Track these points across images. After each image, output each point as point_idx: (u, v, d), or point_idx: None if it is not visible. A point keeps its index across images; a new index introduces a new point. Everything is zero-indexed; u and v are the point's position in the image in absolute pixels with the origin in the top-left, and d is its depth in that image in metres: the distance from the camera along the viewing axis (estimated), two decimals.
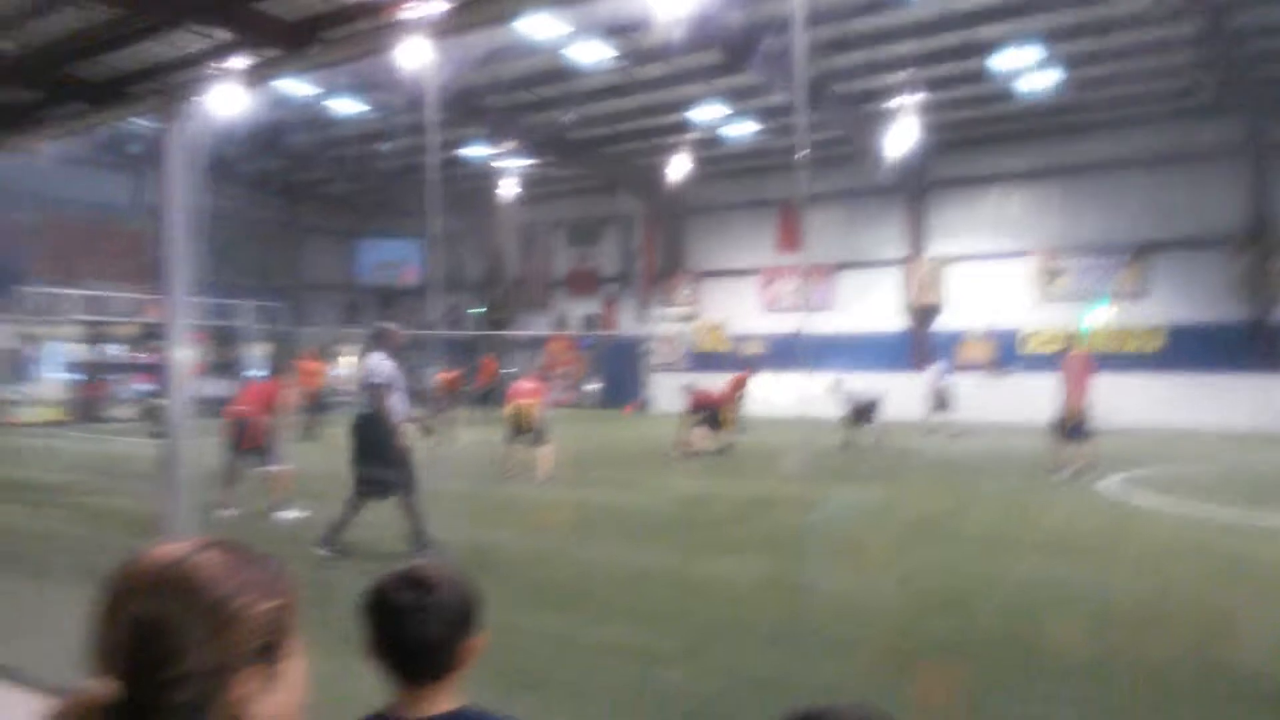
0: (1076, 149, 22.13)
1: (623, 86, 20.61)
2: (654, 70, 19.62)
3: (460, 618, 1.66)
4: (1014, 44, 17.45)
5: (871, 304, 25.06)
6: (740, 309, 27.05)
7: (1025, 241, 23.19)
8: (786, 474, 12.57)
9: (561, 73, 19.78)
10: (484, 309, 32.20)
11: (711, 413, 15.14)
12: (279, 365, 14.05)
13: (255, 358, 23.66)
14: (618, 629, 5.43)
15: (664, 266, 28.70)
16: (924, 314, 24.17)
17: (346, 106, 22.09)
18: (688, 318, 27.79)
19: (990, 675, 4.63)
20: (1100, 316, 22.18)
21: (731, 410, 15.93)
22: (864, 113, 21.41)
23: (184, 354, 3.48)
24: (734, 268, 27.32)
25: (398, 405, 7.55)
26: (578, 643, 5.19)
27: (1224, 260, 20.94)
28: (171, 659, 0.98)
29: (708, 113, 21.90)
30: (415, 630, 1.61)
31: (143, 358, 22.81)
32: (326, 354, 24.16)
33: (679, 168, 24.09)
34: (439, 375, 18.24)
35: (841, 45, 17.77)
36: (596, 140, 24.86)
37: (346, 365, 25.35)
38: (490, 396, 22.95)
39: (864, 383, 16.83)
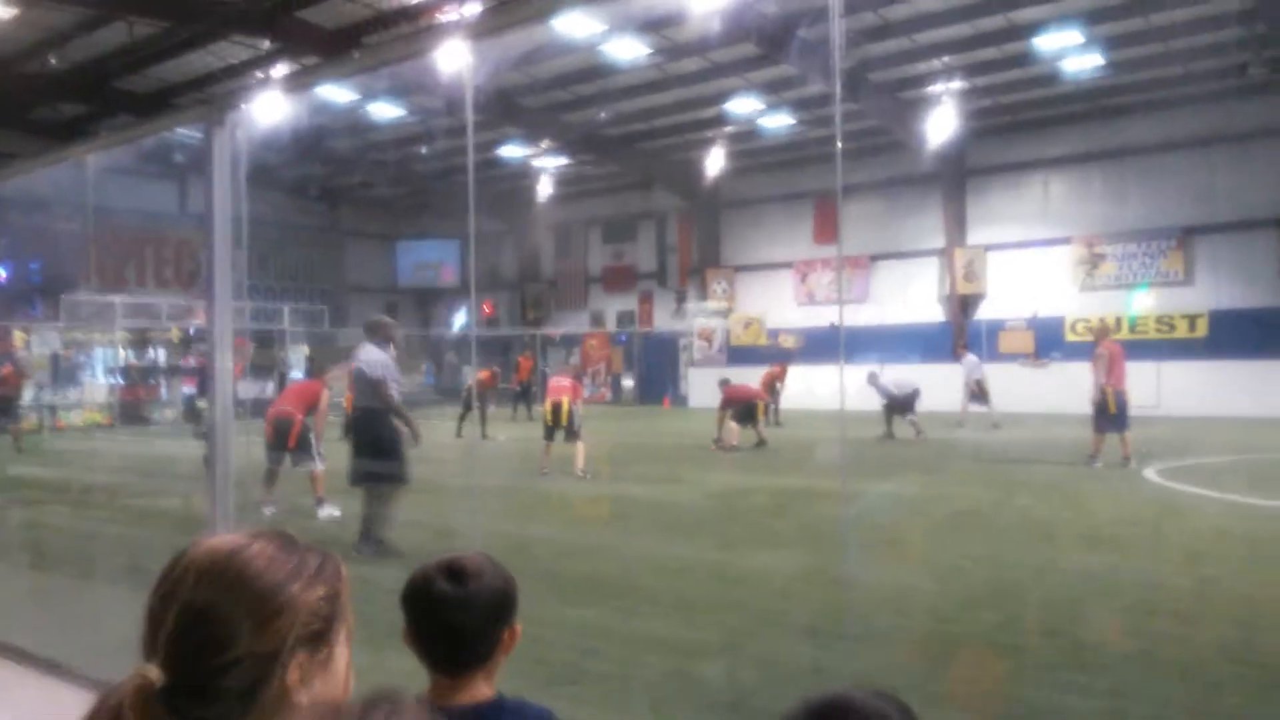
0: (1118, 132, 21.76)
1: (658, 82, 20.64)
2: (689, 65, 19.62)
3: (498, 607, 1.68)
4: (1054, 26, 17.18)
5: (910, 295, 24.85)
6: (776, 302, 26.95)
7: (1067, 228, 22.86)
8: (825, 467, 12.52)
9: (597, 70, 19.85)
10: (520, 307, 32.40)
11: (748, 407, 15.12)
12: (319, 366, 14.25)
13: (297, 359, 24.00)
14: (657, 622, 5.46)
15: (699, 261, 28.68)
16: (964, 304, 23.92)
17: (386, 111, 22.32)
18: (724, 312, 27.73)
19: (1029, 666, 4.61)
20: (1142, 303, 21.81)
21: (768, 404, 15.89)
22: (902, 101, 21.24)
23: (227, 357, 3.57)
24: (770, 261, 27.22)
25: (394, 398, 7.66)
26: (617, 635, 5.23)
27: (1270, 243, 20.48)
28: (222, 645, 1.02)
29: (743, 106, 21.84)
30: (454, 619, 1.64)
31: (187, 362, 23.25)
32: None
33: (714, 162, 24.05)
34: (477, 373, 18.40)
35: (878, 33, 17.65)
36: (632, 136, 24.90)
37: None
38: (527, 394, 23.11)
39: (903, 375, 16.73)
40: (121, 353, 23.02)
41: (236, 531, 1.13)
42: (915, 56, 18.90)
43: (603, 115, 22.81)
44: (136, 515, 9.68)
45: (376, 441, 7.56)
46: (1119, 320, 21.66)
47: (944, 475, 12.09)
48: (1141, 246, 22.02)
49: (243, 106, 3.60)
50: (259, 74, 19.07)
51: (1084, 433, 12.07)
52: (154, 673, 1.01)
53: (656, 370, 28.59)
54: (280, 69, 18.68)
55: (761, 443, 14.94)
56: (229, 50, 18.79)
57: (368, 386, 7.55)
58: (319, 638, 1.08)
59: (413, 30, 16.37)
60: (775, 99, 21.41)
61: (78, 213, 23.02)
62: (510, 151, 25.72)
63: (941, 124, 20.39)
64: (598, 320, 31.16)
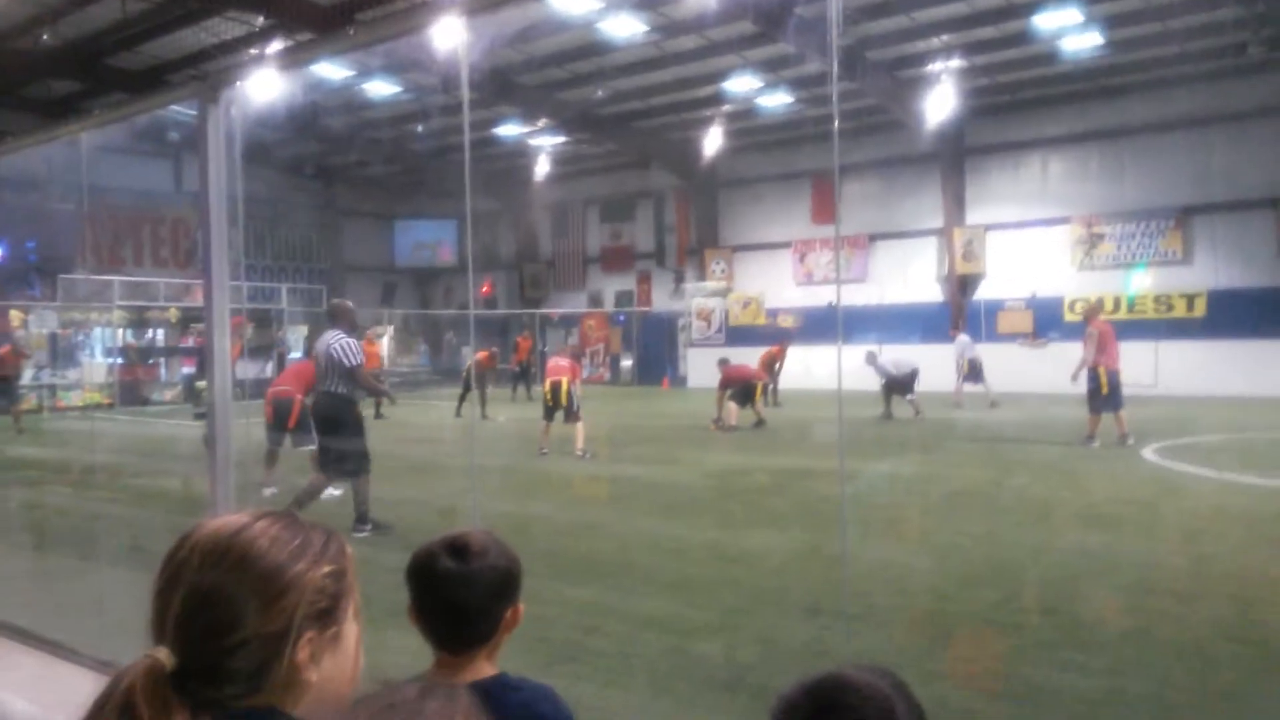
0: (1117, 111, 21.67)
1: (655, 60, 20.52)
2: (686, 42, 19.50)
3: (501, 586, 1.68)
4: (1053, 5, 17.08)
5: (909, 275, 24.83)
6: (775, 282, 26.91)
7: (1065, 208, 22.81)
8: (823, 446, 12.55)
9: (593, 47, 19.72)
10: (518, 287, 32.36)
11: (747, 387, 15.13)
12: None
13: (295, 339, 23.99)
14: (655, 601, 5.49)
15: (698, 241, 28.62)
16: (963, 283, 23.90)
17: (381, 89, 22.19)
18: (722, 292, 27.70)
19: (1027, 644, 4.63)
20: (1140, 282, 21.80)
21: (766, 384, 15.89)
22: (900, 79, 21.14)
23: (225, 337, 3.56)
24: (768, 241, 27.16)
25: (371, 382, 7.64)
26: (616, 614, 5.25)
27: (1268, 223, 20.46)
28: (229, 626, 1.02)
29: (741, 84, 21.73)
30: (456, 596, 1.64)
31: (186, 341, 23.22)
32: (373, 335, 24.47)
33: (712, 141, 23.96)
34: (475, 354, 18.40)
35: (876, 10, 17.54)
36: (629, 115, 24.78)
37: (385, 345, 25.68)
38: (526, 374, 23.12)
39: (902, 355, 16.75)
40: (120, 333, 22.98)
41: (238, 512, 1.13)
42: (913, 35, 18.79)
43: (600, 93, 22.68)
44: (137, 496, 9.70)
45: (347, 426, 7.50)
46: (1117, 300, 21.68)
47: (942, 454, 12.12)
48: (1140, 226, 21.98)
49: (237, 84, 3.56)
50: (253, 50, 18.93)
51: (1082, 413, 12.09)
52: (164, 655, 1.01)
53: (655, 350, 28.59)
54: (275, 45, 18.54)
55: (760, 422, 14.97)
56: (223, 26, 18.64)
57: (342, 372, 7.46)
58: (326, 615, 1.09)
59: (408, 6, 16.24)
60: (773, 77, 21.30)
61: (73, 191, 22.87)
62: (507, 130, 25.59)
63: (940, 103, 20.30)
64: (596, 300, 31.13)
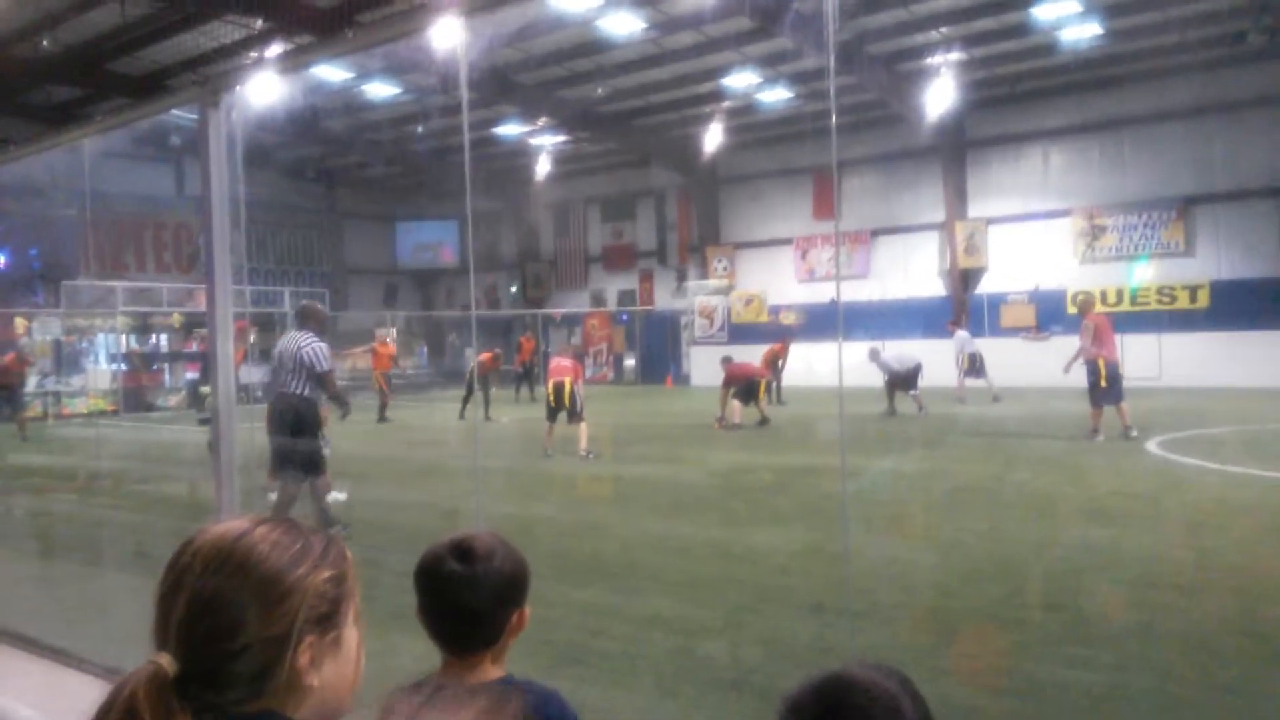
0: (1118, 102, 21.64)
1: (654, 57, 20.50)
2: (685, 39, 19.49)
3: (508, 588, 1.68)
4: None
5: (911, 270, 24.81)
6: (777, 279, 26.90)
7: (1067, 200, 22.78)
8: (827, 444, 12.55)
9: (592, 45, 19.71)
10: (520, 287, 32.37)
11: (750, 384, 15.13)
12: None
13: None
14: (661, 601, 5.49)
15: (699, 239, 28.61)
16: (966, 277, 23.88)
17: (381, 90, 22.20)
18: (724, 290, 27.70)
19: (1032, 640, 4.64)
20: (1143, 274, 21.77)
21: (769, 381, 15.88)
22: (899, 73, 21.12)
23: (228, 342, 3.56)
24: (770, 237, 27.15)
25: (338, 388, 7.58)
26: (621, 614, 5.25)
27: (1271, 213, 20.42)
28: (231, 632, 1.03)
29: (740, 80, 21.72)
30: (463, 599, 1.64)
31: (189, 347, 23.25)
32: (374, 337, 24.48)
33: (712, 138, 23.95)
34: (479, 355, 18.42)
35: (874, 4, 17.52)
36: (628, 113, 24.77)
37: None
38: (529, 374, 23.14)
39: (905, 350, 16.73)
40: (123, 339, 23.02)
41: (240, 517, 1.14)
42: (912, 28, 18.77)
43: (599, 91, 22.67)
44: (142, 502, 9.72)
45: (309, 429, 7.41)
46: (1120, 292, 21.66)
47: (945, 450, 12.11)
48: (1142, 218, 21.94)
49: (237, 88, 3.57)
50: (253, 54, 18.95)
51: (1084, 406, 12.07)
52: (166, 661, 1.02)
53: (658, 349, 28.59)
54: (274, 48, 18.56)
55: (764, 420, 14.96)
56: (222, 30, 18.66)
57: (312, 375, 7.36)
58: (327, 620, 1.09)
59: (407, 7, 16.24)
60: (772, 73, 21.29)
61: (75, 198, 22.95)
62: (507, 130, 25.60)
63: (940, 96, 20.29)
64: (598, 300, 31.13)
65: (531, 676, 1.73)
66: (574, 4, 16.79)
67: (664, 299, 29.45)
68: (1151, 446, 10.91)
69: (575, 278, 31.72)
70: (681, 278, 29.07)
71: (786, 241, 26.83)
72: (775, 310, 26.32)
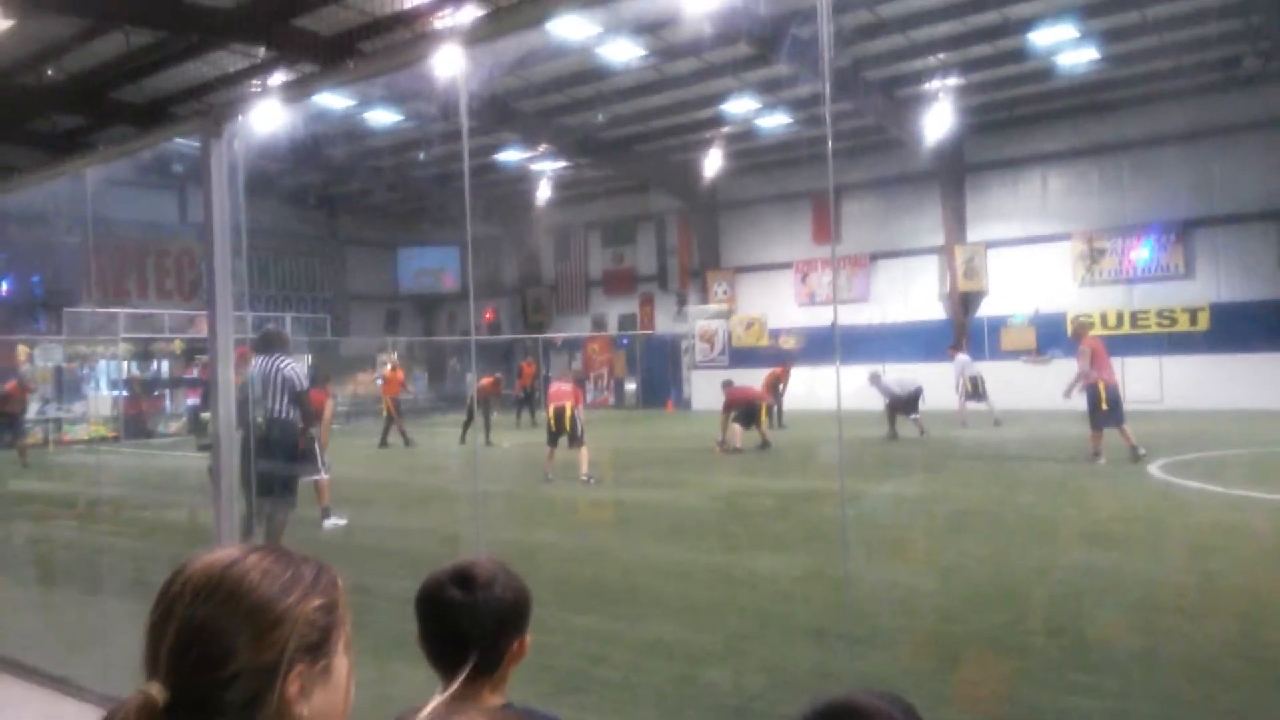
0: (1115, 127, 21.78)
1: (653, 84, 20.66)
2: (684, 66, 19.64)
3: (509, 615, 1.67)
4: (1048, 21, 17.20)
5: (911, 294, 24.87)
6: (778, 303, 26.95)
7: (1066, 223, 22.86)
8: (828, 468, 12.53)
9: (592, 73, 19.87)
10: (520, 312, 32.43)
11: (751, 408, 15.13)
12: (322, 376, 14.27)
13: (300, 370, 24.01)
14: (662, 627, 5.47)
15: (699, 263, 28.70)
16: (966, 301, 23.93)
17: (383, 117, 22.35)
18: (725, 314, 27.75)
19: (1034, 666, 4.61)
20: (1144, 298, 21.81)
21: (770, 405, 15.87)
22: (897, 98, 21.27)
23: (229, 368, 3.58)
24: (770, 261, 27.23)
25: (308, 411, 7.53)
26: (622, 641, 5.23)
27: (1270, 236, 20.49)
28: (221, 660, 1.03)
29: (739, 106, 21.87)
30: (460, 626, 1.63)
31: (190, 373, 23.27)
32: (374, 363, 24.51)
33: (712, 163, 24.07)
34: (479, 380, 18.43)
35: (872, 30, 17.67)
36: (628, 139, 24.93)
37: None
38: (530, 399, 23.13)
39: (906, 374, 16.74)
40: (124, 365, 23.05)
41: (237, 545, 1.14)
42: (910, 54, 18.92)
43: (599, 118, 22.83)
44: (143, 528, 9.70)
45: (294, 452, 7.37)
46: (1121, 315, 21.70)
47: (946, 474, 12.09)
48: (1141, 240, 22.01)
49: (239, 118, 3.61)
50: (255, 82, 19.11)
51: (1086, 429, 12.04)
52: (156, 690, 1.02)
53: (659, 373, 28.60)
54: (277, 77, 18.72)
55: (765, 444, 14.95)
56: (225, 59, 18.82)
57: (293, 396, 7.35)
58: (317, 649, 1.09)
59: (409, 36, 16.39)
60: (771, 99, 21.43)
61: (77, 225, 23.04)
62: (507, 156, 25.74)
63: (938, 121, 20.44)
64: (599, 324, 31.18)
65: (532, 704, 1.73)
66: (574, 32, 16.94)
67: (665, 323, 29.50)
68: (1153, 470, 10.89)
69: (576, 302, 31.79)
70: (682, 302, 29.13)
71: (786, 266, 26.91)
72: (776, 334, 26.35)
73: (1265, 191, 20.20)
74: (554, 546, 8.03)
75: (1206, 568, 6.45)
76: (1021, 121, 22.82)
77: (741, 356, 26.15)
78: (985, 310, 23.83)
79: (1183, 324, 21.15)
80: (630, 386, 29.34)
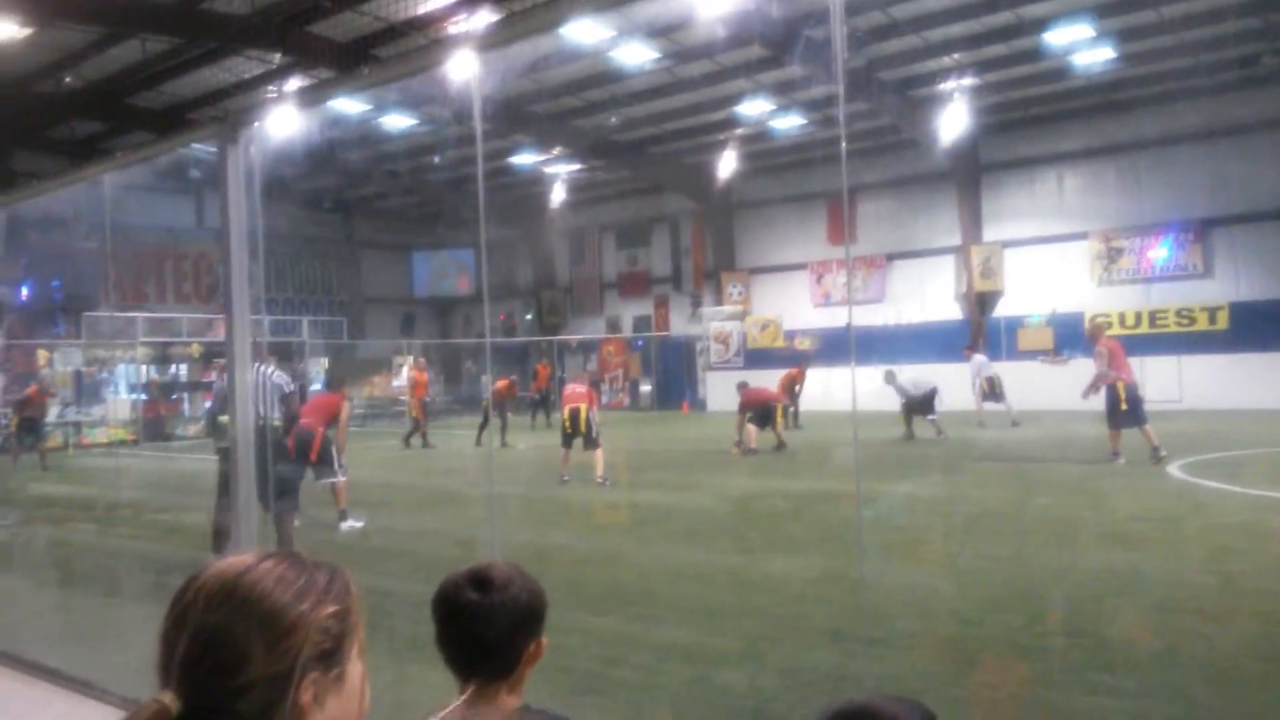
0: (1132, 125, 21.61)
1: (667, 86, 20.67)
2: (697, 68, 19.64)
3: (526, 618, 1.67)
4: (1064, 21, 17.12)
5: (927, 294, 24.76)
6: (793, 304, 26.89)
7: (1083, 223, 22.72)
8: (844, 469, 12.49)
9: (606, 75, 19.90)
10: (536, 315, 32.47)
11: (766, 409, 15.10)
12: (339, 379, 14.34)
13: (316, 372, 24.15)
14: (678, 629, 5.47)
15: (714, 264, 28.67)
16: (982, 301, 23.81)
17: (398, 122, 22.44)
18: (740, 315, 27.71)
19: (1053, 668, 4.58)
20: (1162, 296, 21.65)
21: (786, 406, 15.84)
22: (913, 99, 21.20)
23: (246, 372, 3.60)
24: (785, 263, 27.17)
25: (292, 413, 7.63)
26: (638, 643, 5.23)
27: None
28: (235, 668, 1.02)
29: (753, 108, 21.84)
30: (477, 629, 1.64)
31: (208, 376, 23.42)
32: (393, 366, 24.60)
33: (726, 165, 24.05)
34: (495, 383, 18.48)
35: (886, 31, 17.63)
36: (642, 141, 24.94)
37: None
38: (546, 401, 23.16)
39: (922, 374, 16.67)
40: (143, 369, 23.23)
41: (251, 550, 1.14)
42: (924, 54, 18.86)
43: (613, 120, 22.85)
44: (161, 531, 9.76)
45: (290, 456, 7.52)
46: (1139, 314, 21.55)
47: (963, 475, 12.03)
48: (1159, 240, 21.85)
49: (256, 123, 3.63)
50: (271, 88, 19.22)
51: (1104, 429, 11.96)
52: (169, 699, 1.01)
53: (674, 375, 28.57)
54: (293, 83, 18.83)
55: (781, 445, 14.92)
56: (242, 65, 18.96)
57: (281, 399, 7.48)
58: (331, 656, 1.08)
59: (423, 41, 16.46)
60: (785, 100, 21.39)
61: (96, 230, 23.23)
62: (522, 159, 25.80)
63: (953, 121, 20.35)
64: (614, 326, 31.18)
65: (548, 705, 1.73)
66: (587, 36, 16.96)
67: (679, 325, 29.48)
68: (1173, 470, 10.80)
69: (591, 304, 31.81)
70: (697, 303, 29.10)
71: (801, 266, 26.85)
72: (791, 335, 26.28)
73: None
74: (569, 548, 8.04)
75: (1226, 568, 6.39)
76: (1037, 121, 22.70)
77: (757, 358, 26.09)
78: (1002, 310, 23.71)
79: (1201, 323, 20.97)
80: (645, 388, 29.32)
